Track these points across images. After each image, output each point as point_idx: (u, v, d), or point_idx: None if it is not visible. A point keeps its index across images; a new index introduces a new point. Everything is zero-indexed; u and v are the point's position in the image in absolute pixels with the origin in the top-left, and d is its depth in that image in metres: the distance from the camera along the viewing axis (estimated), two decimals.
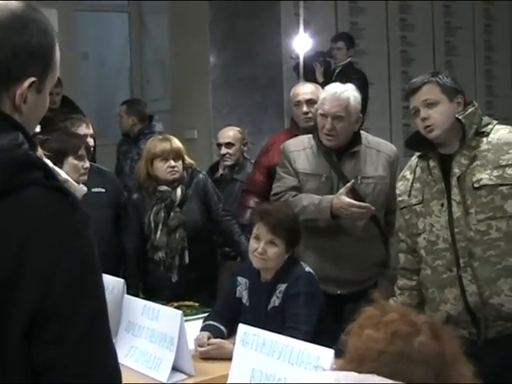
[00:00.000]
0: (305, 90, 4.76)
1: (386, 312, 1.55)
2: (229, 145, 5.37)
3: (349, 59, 7.29)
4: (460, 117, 3.12)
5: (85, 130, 4.71)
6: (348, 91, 3.98)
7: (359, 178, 3.95)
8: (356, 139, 4.02)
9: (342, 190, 3.83)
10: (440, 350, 1.50)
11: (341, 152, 4.00)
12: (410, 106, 3.27)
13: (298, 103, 4.73)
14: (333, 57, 7.26)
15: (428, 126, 3.16)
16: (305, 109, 4.65)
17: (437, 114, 3.15)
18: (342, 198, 3.81)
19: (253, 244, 3.58)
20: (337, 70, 7.13)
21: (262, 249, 3.53)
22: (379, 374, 1.44)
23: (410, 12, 8.65)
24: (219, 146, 5.43)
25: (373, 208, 3.84)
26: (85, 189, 3.36)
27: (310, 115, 4.62)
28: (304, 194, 3.98)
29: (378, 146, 4.09)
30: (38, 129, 2.94)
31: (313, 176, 4.01)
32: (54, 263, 1.45)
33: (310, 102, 4.62)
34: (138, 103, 6.85)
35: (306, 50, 6.80)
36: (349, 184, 3.85)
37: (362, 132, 4.10)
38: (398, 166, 4.00)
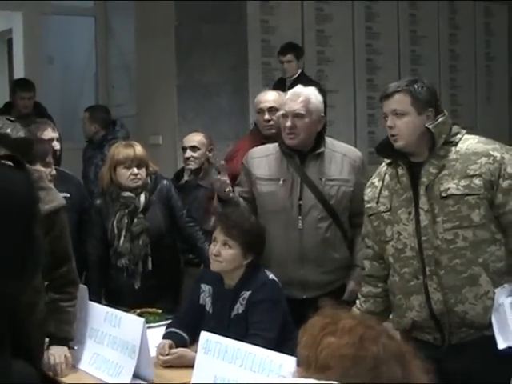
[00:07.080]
0: (267, 97, 4.77)
1: (335, 320, 1.57)
2: (193, 148, 5.34)
3: (299, 71, 7.00)
4: (430, 126, 3.11)
5: (51, 133, 4.64)
6: (308, 90, 4.04)
7: (323, 179, 3.96)
8: (320, 141, 4.03)
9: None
10: (399, 347, 1.53)
11: (305, 154, 4.00)
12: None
13: (261, 111, 4.74)
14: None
15: (393, 135, 3.16)
16: (266, 116, 4.66)
17: (403, 124, 3.13)
18: None
19: (211, 247, 3.61)
20: (288, 85, 6.56)
21: (217, 250, 3.53)
22: (361, 379, 1.46)
23: (375, 20, 8.69)
24: (184, 149, 5.40)
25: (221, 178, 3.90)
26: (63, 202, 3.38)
27: (271, 123, 4.63)
28: None
29: (343, 151, 4.09)
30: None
31: (269, 181, 4.01)
32: None
33: (272, 110, 4.63)
34: (100, 110, 6.79)
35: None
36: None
37: (327, 137, 4.11)
38: (364, 170, 4.02)
